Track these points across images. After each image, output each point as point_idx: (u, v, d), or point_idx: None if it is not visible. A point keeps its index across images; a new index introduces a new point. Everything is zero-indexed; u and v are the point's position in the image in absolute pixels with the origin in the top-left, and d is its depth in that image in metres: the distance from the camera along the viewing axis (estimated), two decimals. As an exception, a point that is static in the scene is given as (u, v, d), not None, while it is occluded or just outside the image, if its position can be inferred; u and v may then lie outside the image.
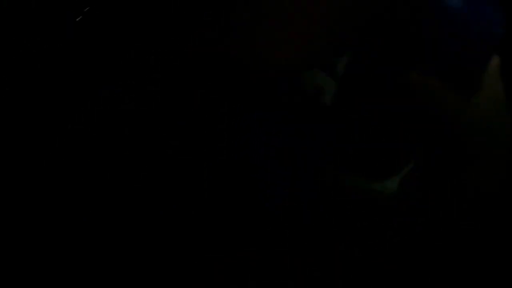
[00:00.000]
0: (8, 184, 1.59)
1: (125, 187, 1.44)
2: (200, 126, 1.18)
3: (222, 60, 0.72)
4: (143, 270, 1.37)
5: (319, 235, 0.88)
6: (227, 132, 1.21)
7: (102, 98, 1.40)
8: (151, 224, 1.34)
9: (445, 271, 1.57)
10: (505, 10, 0.45)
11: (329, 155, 0.64)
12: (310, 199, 0.73)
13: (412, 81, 0.56)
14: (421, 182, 1.20)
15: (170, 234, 1.25)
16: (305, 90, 0.75)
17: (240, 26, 0.54)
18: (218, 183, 1.05)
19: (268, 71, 0.63)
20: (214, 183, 1.05)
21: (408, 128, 0.62)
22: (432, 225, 1.74)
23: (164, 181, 1.10)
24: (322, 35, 0.52)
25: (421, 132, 0.59)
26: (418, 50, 0.47)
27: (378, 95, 0.56)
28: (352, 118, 0.63)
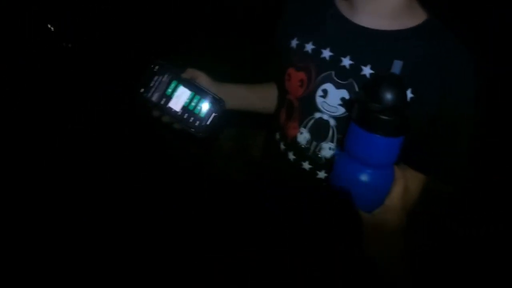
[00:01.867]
0: (8, 183, 1.58)
1: (125, 187, 1.44)
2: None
3: None
4: (143, 270, 1.36)
5: (319, 235, 0.88)
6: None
7: (102, 98, 1.39)
8: (151, 224, 1.33)
9: (444, 271, 1.56)
10: None
11: None
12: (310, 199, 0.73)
13: None
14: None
15: (170, 234, 1.24)
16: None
17: None
18: (218, 183, 1.05)
19: None
20: (214, 183, 1.05)
21: None
22: (431, 226, 1.72)
23: (164, 181, 1.10)
24: None
25: None
26: None
27: None
28: None
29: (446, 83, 0.71)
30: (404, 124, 0.58)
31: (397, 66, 0.58)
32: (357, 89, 0.73)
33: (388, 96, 0.57)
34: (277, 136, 0.88)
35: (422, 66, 0.69)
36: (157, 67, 0.85)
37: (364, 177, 0.61)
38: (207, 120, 0.83)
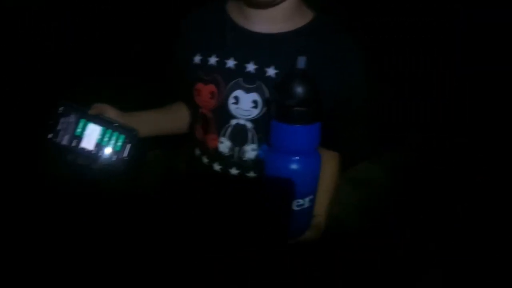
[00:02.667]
0: (8, 184, 1.56)
1: (125, 185, 1.43)
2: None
3: None
4: (143, 270, 1.36)
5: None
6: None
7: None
8: (151, 224, 1.33)
9: (443, 271, 1.56)
10: None
11: None
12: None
13: None
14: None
15: (170, 234, 1.24)
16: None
17: None
18: (218, 183, 1.04)
19: None
20: (214, 182, 1.05)
21: None
22: (429, 227, 1.72)
23: (163, 180, 1.10)
24: None
25: None
26: None
27: None
28: None
29: (339, 71, 0.77)
30: (319, 111, 0.65)
31: (301, 62, 0.64)
32: (265, 89, 0.78)
33: (299, 89, 0.63)
34: (197, 151, 0.90)
35: (316, 59, 0.73)
36: (61, 108, 0.80)
37: (295, 165, 0.66)
38: (124, 153, 0.80)
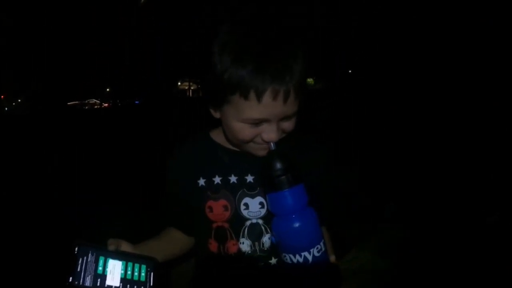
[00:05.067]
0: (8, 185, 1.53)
1: (126, 185, 1.38)
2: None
3: None
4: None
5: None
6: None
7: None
8: (150, 223, 1.27)
9: (443, 272, 1.52)
10: None
11: None
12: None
13: None
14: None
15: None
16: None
17: None
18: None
19: None
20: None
21: None
22: (429, 228, 1.69)
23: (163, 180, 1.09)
24: None
25: None
26: None
27: None
28: None
29: (309, 165, 0.95)
30: (297, 175, 0.81)
31: (272, 145, 0.83)
32: (265, 193, 0.89)
33: (278, 164, 0.81)
34: (211, 262, 0.99)
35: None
36: (76, 248, 0.77)
37: (297, 223, 0.80)
38: (150, 282, 0.82)
